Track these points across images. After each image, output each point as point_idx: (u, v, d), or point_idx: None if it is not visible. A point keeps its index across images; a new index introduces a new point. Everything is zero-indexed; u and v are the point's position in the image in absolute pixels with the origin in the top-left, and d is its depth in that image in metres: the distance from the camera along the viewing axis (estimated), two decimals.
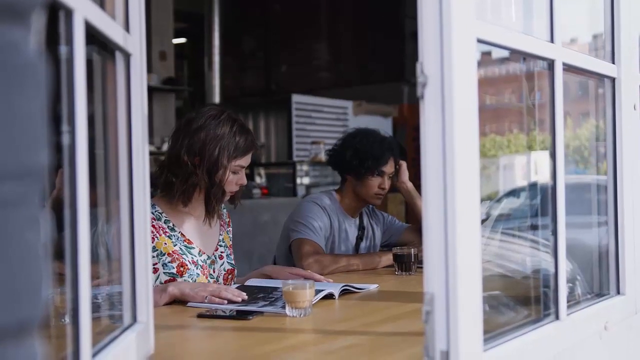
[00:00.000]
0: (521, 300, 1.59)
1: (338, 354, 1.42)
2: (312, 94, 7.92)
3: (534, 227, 1.78)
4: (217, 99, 8.21)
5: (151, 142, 6.74)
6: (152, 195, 2.09)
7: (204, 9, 8.25)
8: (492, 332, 1.22)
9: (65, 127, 0.90)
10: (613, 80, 1.71)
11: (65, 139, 0.89)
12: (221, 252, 2.25)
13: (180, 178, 2.09)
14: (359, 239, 2.88)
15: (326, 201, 2.78)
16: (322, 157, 6.77)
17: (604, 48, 1.72)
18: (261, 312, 1.77)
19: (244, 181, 2.19)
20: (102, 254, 1.30)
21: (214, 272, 2.19)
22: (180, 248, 2.11)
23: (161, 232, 2.10)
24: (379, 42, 8.89)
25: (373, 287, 2.17)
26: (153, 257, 2.05)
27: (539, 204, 1.64)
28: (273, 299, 1.92)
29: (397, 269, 2.49)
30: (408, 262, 2.47)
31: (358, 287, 2.11)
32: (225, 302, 1.87)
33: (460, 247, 1.05)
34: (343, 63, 9.40)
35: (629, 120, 1.72)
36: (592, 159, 1.90)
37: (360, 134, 2.86)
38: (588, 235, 1.84)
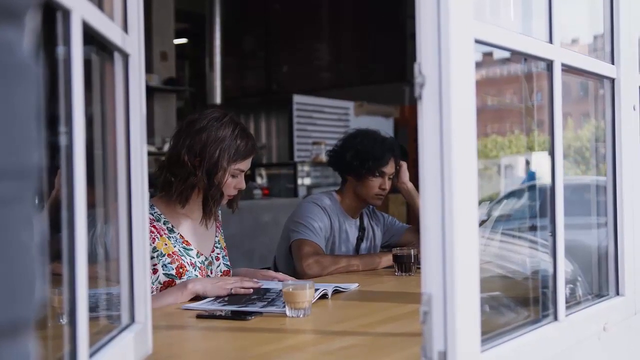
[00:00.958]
0: (521, 301, 1.59)
1: (336, 354, 1.42)
2: (313, 94, 7.93)
3: (535, 228, 1.78)
4: (218, 99, 8.22)
5: (152, 143, 6.74)
6: (151, 196, 2.09)
7: (205, 9, 8.26)
8: (490, 332, 1.22)
9: (62, 128, 0.90)
10: (612, 81, 1.71)
11: (63, 140, 0.89)
12: (217, 254, 2.27)
13: (180, 178, 2.10)
14: (360, 239, 2.88)
15: (326, 202, 2.78)
16: (323, 157, 6.77)
17: (604, 49, 1.72)
18: (260, 313, 1.77)
19: (243, 185, 2.21)
20: (101, 255, 1.30)
21: (211, 273, 2.20)
22: (179, 249, 2.12)
23: (162, 232, 2.11)
24: (380, 43, 8.90)
25: (354, 286, 2.21)
26: (153, 257, 2.05)
27: (540, 204, 1.64)
28: (269, 299, 1.92)
29: (396, 269, 2.49)
30: (408, 262, 2.47)
31: (343, 287, 2.15)
32: (252, 290, 1.99)
33: (458, 248, 1.05)
34: (344, 63, 9.41)
35: (628, 121, 1.72)
36: (592, 160, 1.90)
37: (361, 134, 2.86)
38: (588, 236, 1.83)
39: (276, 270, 2.65)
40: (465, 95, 1.09)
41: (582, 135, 2.03)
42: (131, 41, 1.24)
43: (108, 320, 1.32)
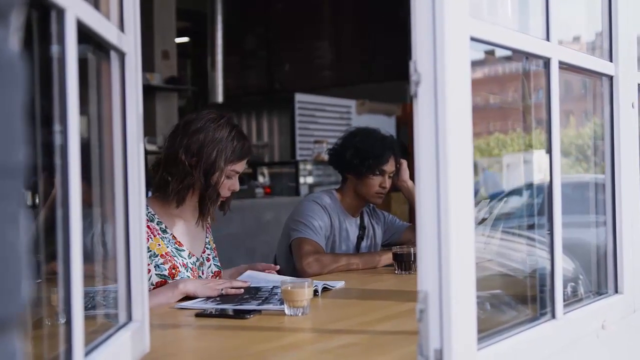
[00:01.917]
0: (519, 298, 1.59)
1: (335, 352, 1.42)
2: (315, 92, 7.91)
3: (535, 226, 1.78)
4: (220, 98, 8.21)
5: (153, 142, 6.72)
6: (146, 196, 2.10)
7: (207, 8, 8.25)
8: (487, 330, 1.22)
9: (57, 127, 0.90)
10: (611, 78, 1.71)
11: (58, 139, 0.90)
12: (208, 254, 2.29)
13: (176, 178, 2.11)
14: (360, 238, 2.88)
15: (327, 200, 2.78)
16: (325, 156, 6.76)
17: (602, 46, 1.72)
18: (259, 311, 1.77)
19: (237, 187, 2.24)
20: (99, 254, 1.30)
21: (202, 274, 2.22)
22: (172, 250, 2.14)
23: (155, 233, 2.12)
24: (381, 40, 8.88)
25: (340, 284, 2.21)
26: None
27: (540, 202, 1.64)
28: (263, 297, 1.92)
29: (396, 268, 2.49)
30: (407, 261, 2.47)
31: (331, 284, 2.16)
32: (242, 290, 1.99)
33: (453, 245, 1.05)
34: (345, 62, 9.39)
35: (626, 118, 1.72)
36: (594, 158, 1.90)
37: (361, 133, 2.86)
38: (586, 234, 1.83)
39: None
40: (461, 93, 1.09)
41: (584, 133, 2.03)
42: (127, 40, 1.24)
43: (105, 319, 1.32)
